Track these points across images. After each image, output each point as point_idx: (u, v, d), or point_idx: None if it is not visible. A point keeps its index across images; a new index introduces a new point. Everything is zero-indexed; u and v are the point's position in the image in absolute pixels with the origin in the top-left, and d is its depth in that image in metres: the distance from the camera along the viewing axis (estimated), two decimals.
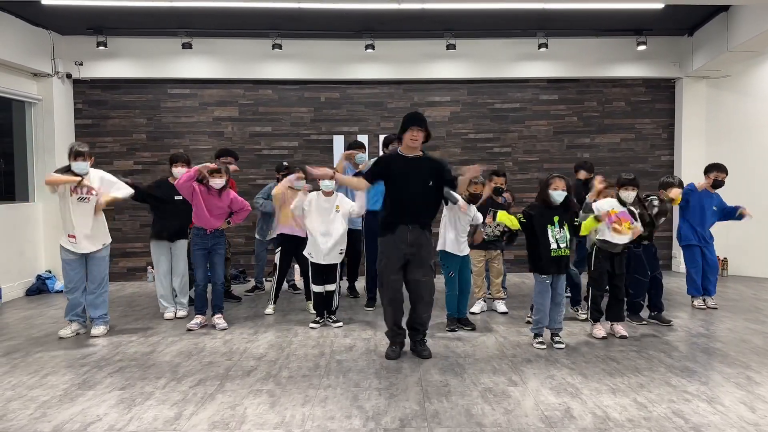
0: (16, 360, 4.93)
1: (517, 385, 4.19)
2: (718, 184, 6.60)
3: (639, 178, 8.89)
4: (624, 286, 5.67)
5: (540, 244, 5.05)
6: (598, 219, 5.30)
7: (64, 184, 5.41)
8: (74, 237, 5.45)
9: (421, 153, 4.91)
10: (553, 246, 5.01)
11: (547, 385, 4.20)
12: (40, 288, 8.01)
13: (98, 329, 5.65)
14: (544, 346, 5.10)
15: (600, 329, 5.49)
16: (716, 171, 6.60)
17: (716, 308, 6.58)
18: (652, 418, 3.60)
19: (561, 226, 5.05)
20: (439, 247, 5.70)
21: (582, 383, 4.22)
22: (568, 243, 5.10)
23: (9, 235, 7.74)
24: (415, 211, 4.80)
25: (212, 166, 5.82)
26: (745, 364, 4.64)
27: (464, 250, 5.72)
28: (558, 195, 5.03)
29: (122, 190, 5.70)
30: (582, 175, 6.94)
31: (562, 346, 5.09)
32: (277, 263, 6.54)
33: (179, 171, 6.08)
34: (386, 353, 4.89)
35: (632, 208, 5.49)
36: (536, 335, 5.21)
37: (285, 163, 7.50)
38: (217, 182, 5.77)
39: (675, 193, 6.04)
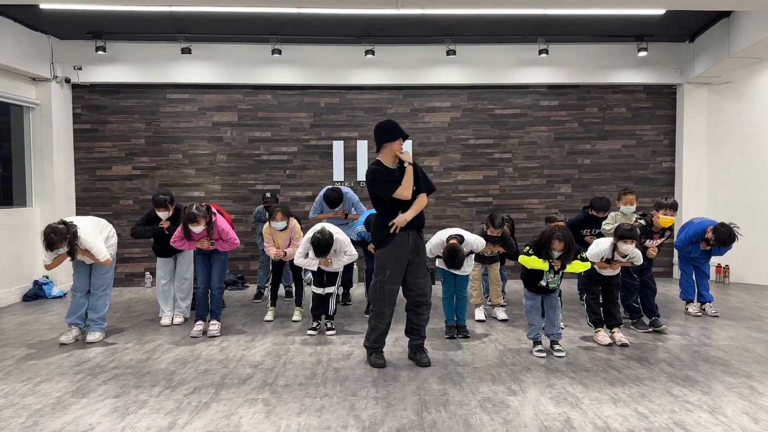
0: (10, 367, 4.87)
1: (517, 395, 4.13)
2: (708, 242, 6.42)
3: (639, 184, 8.88)
4: (617, 291, 5.66)
5: (530, 279, 5.14)
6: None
7: (60, 264, 5.52)
8: None
9: (396, 160, 4.81)
10: (543, 285, 5.08)
11: (547, 394, 4.14)
12: (37, 293, 7.95)
13: (93, 335, 5.61)
14: (544, 354, 5.04)
15: (604, 335, 5.45)
16: (713, 235, 6.30)
17: (717, 316, 6.51)
18: (654, 428, 3.54)
19: (555, 273, 5.05)
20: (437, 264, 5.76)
21: (582, 393, 4.16)
22: (558, 280, 5.11)
23: (6, 240, 7.70)
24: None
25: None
26: (747, 373, 4.58)
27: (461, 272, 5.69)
28: (554, 255, 4.95)
29: (100, 255, 5.47)
30: (596, 212, 6.74)
31: (563, 354, 5.04)
32: (271, 269, 6.60)
33: (164, 214, 6.13)
34: (374, 363, 4.82)
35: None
36: (535, 342, 5.16)
37: (267, 194, 7.52)
38: (196, 229, 5.65)
39: (666, 221, 5.95)
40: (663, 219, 5.94)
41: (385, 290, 4.77)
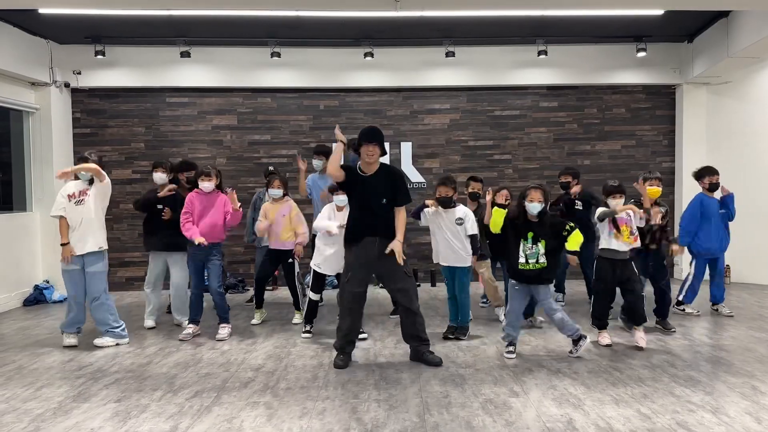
0: (11, 372, 4.87)
1: (519, 396, 4.12)
2: (713, 187, 6.53)
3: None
4: (636, 290, 5.37)
5: (511, 254, 4.96)
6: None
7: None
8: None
9: (377, 167, 4.80)
10: (521, 260, 4.87)
11: (549, 395, 4.13)
12: (37, 298, 7.95)
13: (102, 340, 5.57)
14: (514, 356, 5.03)
15: (605, 337, 5.43)
16: (708, 176, 6.52)
17: (732, 315, 6.50)
18: (656, 429, 3.54)
19: (535, 242, 4.84)
20: (434, 260, 5.75)
21: (584, 394, 4.15)
22: (540, 258, 4.84)
23: (6, 244, 7.70)
24: (377, 224, 4.77)
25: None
26: (749, 373, 4.57)
27: (458, 261, 5.56)
28: (533, 207, 4.82)
29: (102, 172, 5.47)
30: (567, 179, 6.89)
31: (577, 354, 5.04)
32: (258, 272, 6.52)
33: (160, 176, 6.22)
34: (334, 362, 4.85)
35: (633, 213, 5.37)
36: (509, 343, 5.11)
37: (270, 168, 7.42)
38: (206, 185, 5.76)
39: (653, 191, 5.87)
40: (650, 190, 5.83)
41: (345, 291, 4.86)
